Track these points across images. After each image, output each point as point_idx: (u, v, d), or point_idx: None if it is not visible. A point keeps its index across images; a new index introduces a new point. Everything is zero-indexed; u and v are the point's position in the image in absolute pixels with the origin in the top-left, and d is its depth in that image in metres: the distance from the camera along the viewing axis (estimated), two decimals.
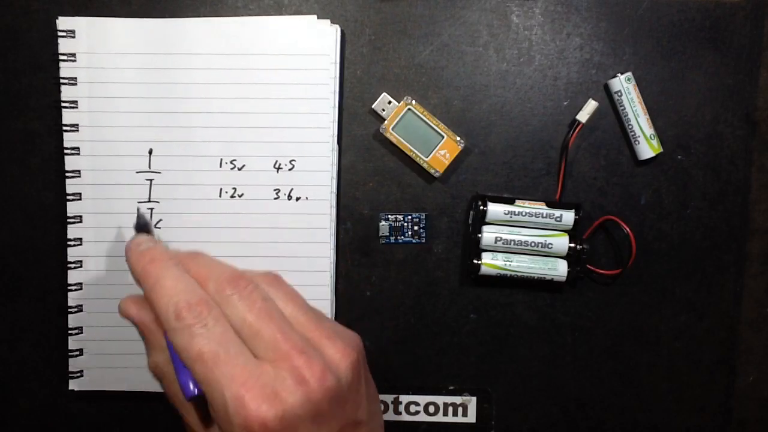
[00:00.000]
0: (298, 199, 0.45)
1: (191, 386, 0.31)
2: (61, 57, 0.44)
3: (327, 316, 0.33)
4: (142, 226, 0.37)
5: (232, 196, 0.45)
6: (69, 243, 0.45)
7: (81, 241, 0.45)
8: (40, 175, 0.46)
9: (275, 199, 0.45)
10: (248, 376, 0.29)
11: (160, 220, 0.45)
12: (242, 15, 0.45)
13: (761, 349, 0.48)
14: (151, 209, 0.45)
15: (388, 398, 0.47)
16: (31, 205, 0.46)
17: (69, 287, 0.45)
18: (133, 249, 0.34)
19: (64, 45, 0.44)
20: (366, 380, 0.34)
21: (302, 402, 0.29)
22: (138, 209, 0.43)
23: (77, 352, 0.46)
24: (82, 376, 0.46)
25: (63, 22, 0.44)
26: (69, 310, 0.45)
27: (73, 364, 0.46)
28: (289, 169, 0.45)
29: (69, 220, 0.45)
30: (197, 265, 0.34)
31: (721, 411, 0.48)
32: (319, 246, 0.45)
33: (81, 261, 0.45)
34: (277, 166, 0.45)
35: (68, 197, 0.45)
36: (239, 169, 0.45)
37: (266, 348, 0.30)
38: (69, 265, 0.45)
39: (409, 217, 0.46)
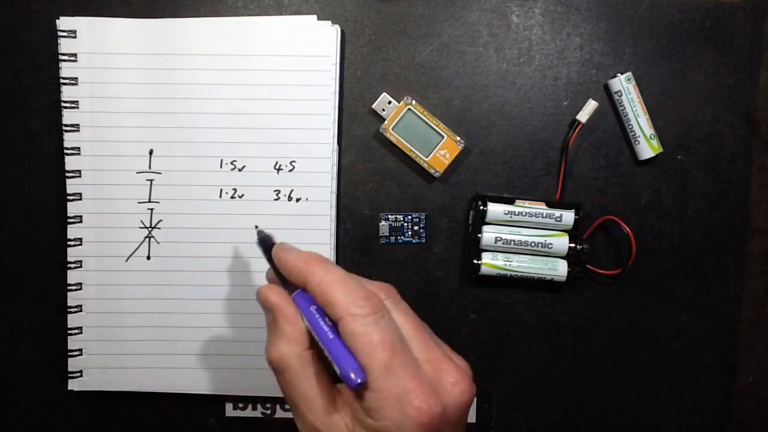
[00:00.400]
0: (298, 200, 0.45)
1: (353, 376, 0.31)
2: (62, 57, 0.44)
3: None
4: (267, 241, 0.37)
5: (232, 197, 0.45)
6: (69, 243, 0.45)
7: (81, 241, 0.45)
8: (40, 175, 0.46)
9: (275, 200, 0.45)
10: (416, 371, 0.31)
11: (160, 220, 0.45)
12: (242, 15, 0.45)
13: (761, 349, 0.48)
14: (151, 209, 0.45)
15: None
16: (31, 205, 0.46)
17: (69, 287, 0.45)
18: (288, 249, 0.36)
19: (65, 45, 0.44)
20: None
21: (456, 403, 0.32)
22: (257, 227, 0.45)
23: (77, 352, 0.46)
24: (81, 376, 0.46)
25: (64, 23, 0.44)
26: (69, 310, 0.45)
27: (73, 364, 0.46)
28: (290, 170, 0.45)
29: (69, 220, 0.45)
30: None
31: (721, 411, 0.48)
32: (319, 247, 0.45)
33: (81, 261, 0.45)
34: (277, 167, 0.45)
35: (68, 197, 0.45)
36: (240, 170, 0.45)
37: (421, 350, 0.33)
38: (69, 265, 0.45)
39: (409, 217, 0.46)
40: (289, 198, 0.45)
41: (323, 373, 0.33)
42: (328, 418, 0.33)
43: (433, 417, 0.30)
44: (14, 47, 0.45)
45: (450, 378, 0.32)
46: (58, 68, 0.44)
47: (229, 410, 0.48)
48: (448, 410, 0.31)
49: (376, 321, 0.31)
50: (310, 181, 0.45)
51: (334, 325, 0.32)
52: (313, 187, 0.45)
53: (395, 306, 0.34)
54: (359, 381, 0.31)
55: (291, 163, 0.45)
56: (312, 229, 0.45)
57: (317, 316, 0.33)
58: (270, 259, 0.36)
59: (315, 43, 0.44)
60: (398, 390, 0.30)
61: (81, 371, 0.46)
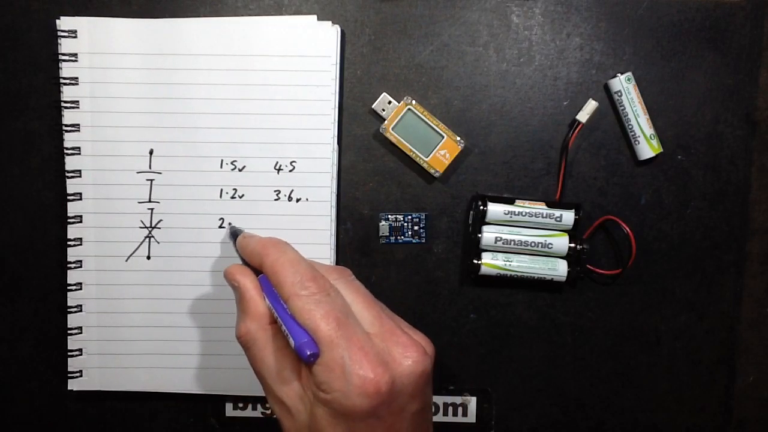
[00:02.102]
0: (298, 200, 0.45)
1: (308, 351, 0.32)
2: (63, 57, 0.44)
3: None
4: (236, 231, 0.42)
5: (232, 197, 0.45)
6: (69, 243, 0.45)
7: (81, 241, 0.45)
8: (40, 175, 0.46)
9: (275, 200, 0.45)
10: (364, 342, 0.32)
11: (160, 220, 0.45)
12: (242, 15, 0.45)
13: (761, 349, 0.48)
14: (151, 209, 0.45)
15: None
16: (31, 205, 0.46)
17: (69, 287, 0.45)
18: (251, 235, 0.39)
19: (65, 45, 0.44)
20: None
21: (408, 373, 0.32)
22: (229, 224, 0.45)
23: (77, 352, 0.46)
24: (81, 376, 0.46)
25: (65, 23, 0.44)
26: (68, 309, 0.45)
27: (73, 364, 0.46)
28: (290, 171, 0.45)
29: (69, 220, 0.45)
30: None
31: (721, 411, 0.48)
32: (319, 248, 0.45)
33: (81, 261, 0.45)
34: (277, 167, 0.45)
35: (68, 197, 0.45)
36: (240, 170, 0.45)
37: (371, 325, 0.34)
38: (69, 265, 0.45)
39: (409, 217, 0.46)
40: (289, 198, 0.45)
41: (288, 348, 0.34)
42: (291, 390, 0.34)
43: (380, 386, 0.31)
44: (14, 47, 0.45)
45: (400, 349, 0.33)
46: (58, 68, 0.44)
47: (229, 410, 0.48)
48: (400, 380, 0.32)
49: (320, 299, 0.33)
50: (310, 181, 0.45)
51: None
52: (313, 188, 0.45)
53: (347, 285, 0.36)
54: (308, 353, 0.32)
55: (291, 163, 0.45)
56: (312, 230, 0.45)
57: (276, 295, 0.35)
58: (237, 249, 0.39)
59: (315, 43, 0.44)
60: (343, 361, 0.31)
61: (81, 371, 0.46)
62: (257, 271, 0.37)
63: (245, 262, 0.39)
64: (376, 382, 0.31)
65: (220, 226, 0.45)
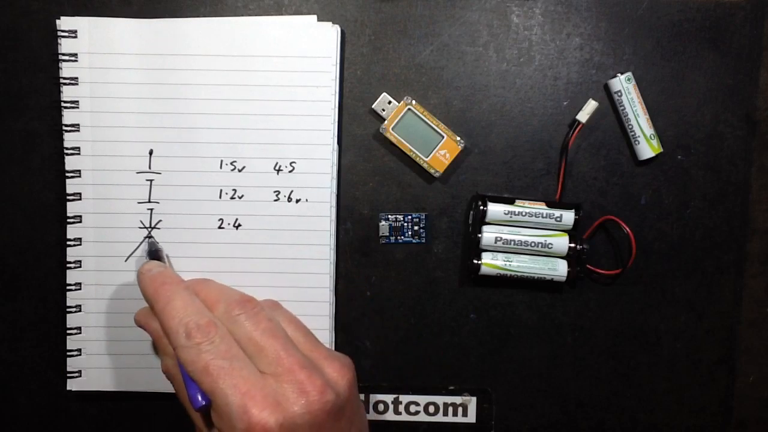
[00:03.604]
0: (298, 201, 0.45)
1: (199, 398, 0.33)
2: (63, 57, 0.44)
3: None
4: (154, 253, 0.41)
5: (232, 198, 0.45)
6: (69, 243, 0.45)
7: (81, 241, 0.45)
8: (40, 175, 0.46)
9: (275, 200, 0.45)
10: (251, 387, 0.31)
11: (160, 221, 0.45)
12: (242, 15, 0.45)
13: (761, 349, 0.48)
14: (151, 209, 0.45)
15: (388, 398, 0.47)
16: (31, 205, 0.46)
17: (68, 287, 0.45)
18: (145, 273, 0.38)
19: (65, 45, 0.44)
20: (358, 400, 0.36)
21: (303, 412, 0.31)
22: (150, 237, 0.44)
23: (76, 352, 0.46)
24: (80, 376, 0.46)
25: (65, 22, 0.44)
26: (68, 309, 0.45)
27: (72, 364, 0.46)
28: (290, 171, 0.45)
29: (69, 220, 0.45)
30: (207, 290, 0.37)
31: (721, 411, 0.48)
32: (319, 248, 0.45)
33: (80, 261, 0.45)
34: (277, 167, 0.45)
35: (68, 197, 0.45)
36: (239, 171, 0.45)
37: (269, 363, 0.33)
38: (68, 265, 0.45)
39: (409, 217, 0.46)
40: (289, 199, 0.45)
41: None
42: (206, 428, 0.35)
43: (268, 427, 0.31)
44: (14, 47, 0.45)
45: (295, 387, 0.32)
46: (58, 68, 0.44)
47: None
48: (292, 420, 0.31)
49: (203, 349, 0.33)
50: (310, 181, 0.45)
51: None
52: (313, 188, 0.45)
53: (251, 318, 0.35)
54: (198, 405, 0.33)
55: (291, 163, 0.45)
56: (312, 230, 0.45)
57: None
58: None
59: (315, 44, 0.44)
60: (229, 409, 0.31)
61: (80, 371, 0.46)
62: None
63: None
64: (263, 426, 0.30)
65: (220, 227, 0.45)
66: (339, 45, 0.44)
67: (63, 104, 0.44)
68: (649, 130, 0.45)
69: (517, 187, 0.46)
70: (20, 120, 0.45)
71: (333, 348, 0.46)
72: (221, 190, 0.45)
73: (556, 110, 0.46)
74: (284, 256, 0.45)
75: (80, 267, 0.45)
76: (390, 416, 0.47)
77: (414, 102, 0.45)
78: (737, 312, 0.47)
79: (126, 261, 0.45)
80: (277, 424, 0.31)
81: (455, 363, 0.47)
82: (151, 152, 0.45)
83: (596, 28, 0.45)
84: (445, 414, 0.47)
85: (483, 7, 0.45)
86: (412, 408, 0.47)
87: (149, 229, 0.45)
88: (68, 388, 0.46)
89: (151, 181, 0.45)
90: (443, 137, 0.45)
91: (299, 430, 0.31)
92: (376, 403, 0.47)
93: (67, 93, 0.44)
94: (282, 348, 0.34)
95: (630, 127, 0.45)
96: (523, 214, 0.45)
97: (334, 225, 0.46)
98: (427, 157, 0.45)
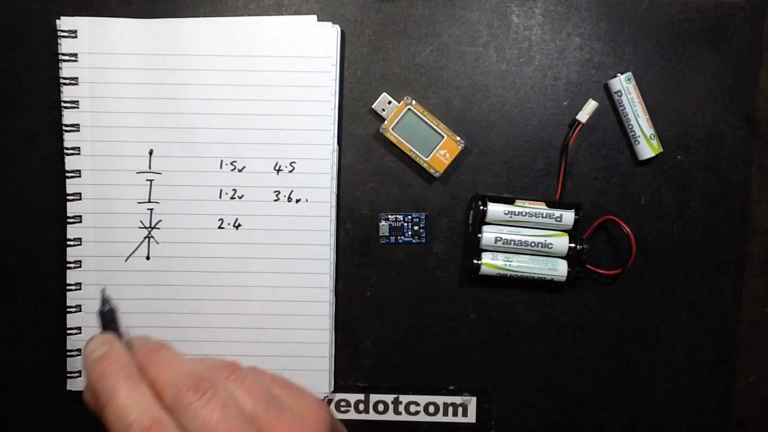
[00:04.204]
0: (298, 201, 0.45)
1: None
2: (63, 57, 0.44)
3: (299, 387, 0.33)
4: (107, 319, 0.36)
5: (232, 198, 0.45)
6: (69, 243, 0.45)
7: (80, 241, 0.45)
8: (40, 175, 0.46)
9: (275, 200, 0.45)
10: None
11: (160, 220, 0.45)
12: (242, 15, 0.45)
13: (761, 349, 0.48)
14: (151, 209, 0.45)
15: (388, 398, 0.47)
16: (31, 205, 0.46)
17: (68, 287, 0.45)
18: (88, 355, 0.34)
19: (65, 45, 0.44)
20: None
21: None
22: (103, 292, 0.35)
23: (76, 352, 0.46)
24: (80, 376, 0.46)
25: (65, 23, 0.44)
26: (68, 309, 0.45)
27: (72, 364, 0.46)
28: (290, 171, 0.45)
29: (69, 220, 0.45)
30: (156, 368, 0.34)
31: (721, 411, 0.48)
32: (319, 248, 0.45)
33: (80, 261, 0.45)
34: (277, 167, 0.45)
35: (68, 197, 0.45)
36: (239, 171, 0.45)
37: None
38: (68, 265, 0.45)
39: (409, 217, 0.46)
40: (289, 199, 0.45)
41: None
42: None
43: None
44: (14, 47, 0.45)
45: None
46: (58, 68, 0.44)
47: None
48: None
49: None
50: (310, 181, 0.45)
51: None
52: (313, 188, 0.45)
53: (202, 407, 0.32)
54: None
55: (291, 163, 0.45)
56: (312, 230, 0.45)
57: None
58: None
59: (315, 44, 0.44)
60: None
61: (80, 371, 0.46)
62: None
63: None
64: None
65: (220, 227, 0.45)
66: (339, 45, 0.44)
67: (63, 104, 0.44)
68: (649, 130, 0.45)
69: (517, 187, 0.46)
70: (20, 120, 0.45)
71: (333, 348, 0.46)
72: (221, 190, 0.45)
73: (556, 110, 0.46)
74: (284, 256, 0.45)
75: (80, 267, 0.45)
76: (390, 416, 0.47)
77: (414, 102, 0.45)
78: (737, 312, 0.47)
79: (126, 261, 0.45)
80: None
81: (455, 363, 0.47)
82: (151, 152, 0.45)
83: (596, 28, 0.45)
84: (445, 414, 0.47)
85: (483, 7, 0.45)
86: (412, 408, 0.47)
87: (149, 229, 0.45)
88: (68, 388, 0.46)
89: (151, 181, 0.45)
90: (443, 137, 0.45)
91: None
92: (376, 403, 0.47)
93: (67, 93, 0.44)
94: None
95: (630, 127, 0.45)
96: (523, 214, 0.45)
97: (334, 225, 0.46)
98: (427, 157, 0.45)
